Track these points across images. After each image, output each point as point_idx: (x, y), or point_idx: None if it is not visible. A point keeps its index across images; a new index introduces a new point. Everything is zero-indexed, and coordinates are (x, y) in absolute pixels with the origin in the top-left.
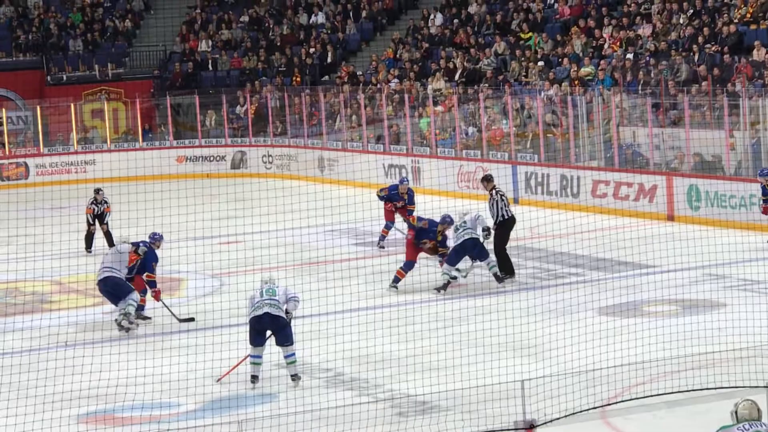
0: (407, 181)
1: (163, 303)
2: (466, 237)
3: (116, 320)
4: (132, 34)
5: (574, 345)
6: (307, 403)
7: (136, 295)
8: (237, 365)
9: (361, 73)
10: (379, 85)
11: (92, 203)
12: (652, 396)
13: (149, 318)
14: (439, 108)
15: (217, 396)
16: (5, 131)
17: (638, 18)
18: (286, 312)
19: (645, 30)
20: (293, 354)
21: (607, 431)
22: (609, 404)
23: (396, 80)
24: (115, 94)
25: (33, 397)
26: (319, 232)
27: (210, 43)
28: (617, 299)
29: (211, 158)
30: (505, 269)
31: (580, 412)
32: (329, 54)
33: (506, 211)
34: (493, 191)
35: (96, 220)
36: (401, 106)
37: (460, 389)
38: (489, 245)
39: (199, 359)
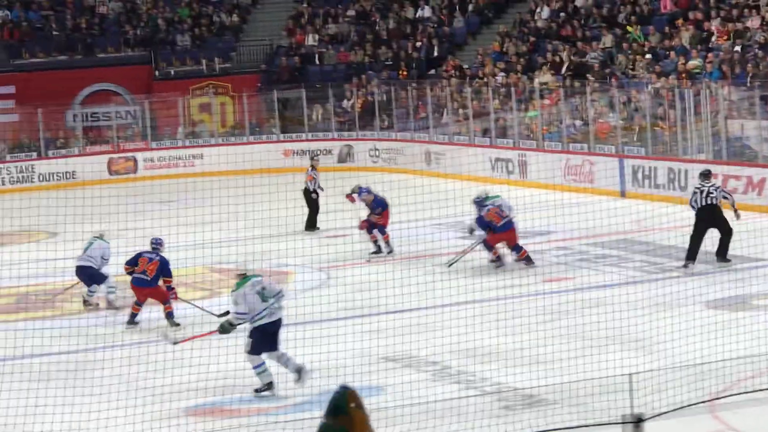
0: (365, 191)
1: (187, 301)
2: None
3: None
4: (239, 28)
5: (681, 338)
6: (414, 396)
7: (113, 280)
8: (202, 336)
9: (467, 66)
10: (485, 79)
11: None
12: (761, 390)
13: (179, 324)
14: (546, 101)
15: (325, 388)
16: (114, 126)
17: (746, 9)
18: None
19: (753, 22)
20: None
21: (716, 425)
22: (718, 398)
23: (502, 74)
24: (223, 88)
25: (142, 389)
26: (426, 225)
27: (317, 37)
28: (725, 292)
29: (318, 152)
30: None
31: (689, 406)
32: (435, 48)
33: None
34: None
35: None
36: (508, 100)
37: (567, 382)
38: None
39: (306, 352)
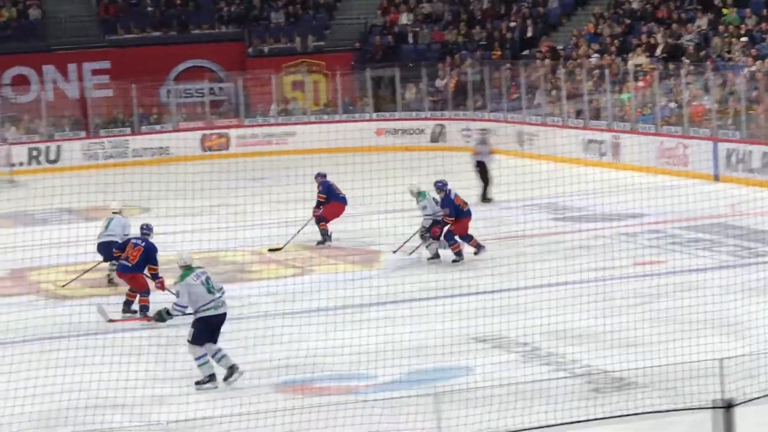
0: (320, 175)
1: (171, 291)
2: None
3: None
4: (333, 6)
5: None
6: (504, 377)
7: None
8: (138, 320)
9: (561, 47)
10: (579, 60)
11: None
12: None
13: (135, 312)
14: (640, 83)
15: (414, 368)
16: (207, 102)
17: None
18: None
19: None
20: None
21: None
22: None
23: (596, 55)
24: (316, 66)
25: None
26: (518, 206)
27: (411, 16)
28: None
29: (411, 131)
30: None
31: None
32: (530, 28)
33: None
34: None
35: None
36: (601, 81)
37: (658, 366)
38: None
39: (396, 331)
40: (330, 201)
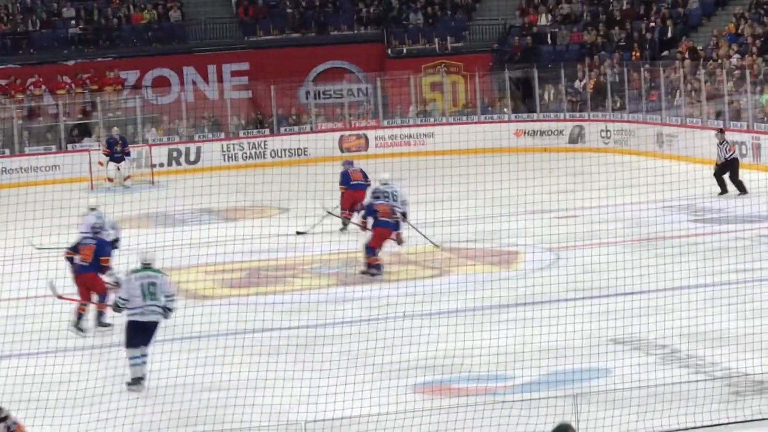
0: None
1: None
2: None
3: None
4: (472, 7)
5: None
6: (642, 379)
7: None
8: (72, 300)
9: (701, 48)
10: (719, 61)
11: None
12: None
13: (110, 325)
14: None
15: (553, 369)
16: (345, 104)
17: None
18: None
19: None
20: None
21: None
22: None
23: (737, 56)
24: (455, 67)
25: (370, 366)
26: (657, 207)
27: (549, 17)
28: None
29: (549, 132)
30: None
31: None
32: (669, 29)
33: None
34: None
35: None
36: (742, 82)
37: None
38: None
39: (535, 332)
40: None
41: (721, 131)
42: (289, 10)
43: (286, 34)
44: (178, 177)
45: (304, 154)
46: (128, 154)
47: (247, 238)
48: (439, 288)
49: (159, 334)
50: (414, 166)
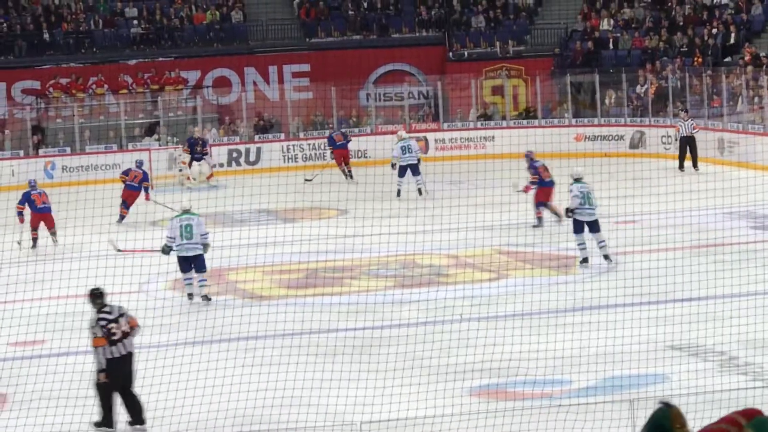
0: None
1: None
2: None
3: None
4: (534, 11)
5: None
6: (700, 385)
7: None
8: (144, 251)
9: (764, 54)
10: None
11: None
12: None
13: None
14: None
15: (610, 374)
16: (406, 106)
17: None
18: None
19: None
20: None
21: None
22: None
23: None
24: (516, 71)
25: (427, 368)
26: (717, 213)
27: (612, 22)
28: None
29: (610, 137)
30: None
31: None
32: (732, 35)
33: None
34: None
35: None
36: None
37: None
38: None
39: (592, 336)
40: None
41: None
42: (350, 12)
43: (347, 36)
44: (238, 177)
45: (364, 156)
46: (207, 153)
47: (305, 239)
48: (497, 291)
49: (216, 333)
50: (473, 168)
